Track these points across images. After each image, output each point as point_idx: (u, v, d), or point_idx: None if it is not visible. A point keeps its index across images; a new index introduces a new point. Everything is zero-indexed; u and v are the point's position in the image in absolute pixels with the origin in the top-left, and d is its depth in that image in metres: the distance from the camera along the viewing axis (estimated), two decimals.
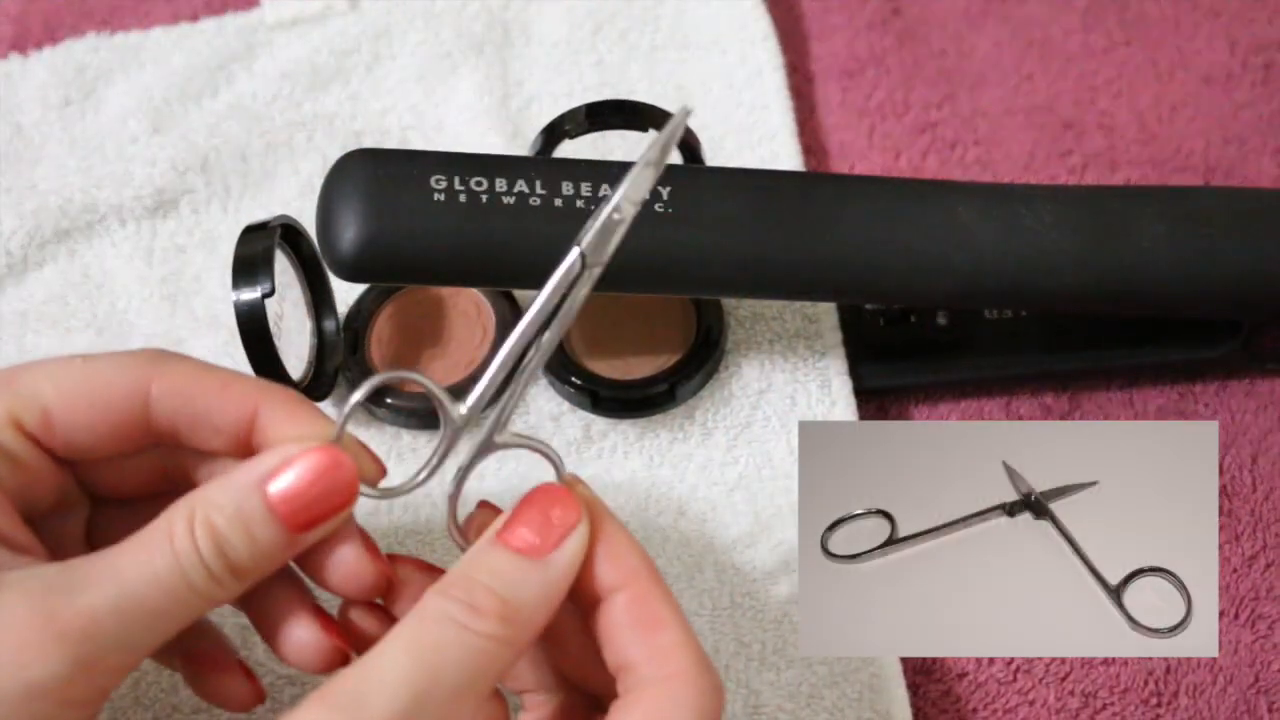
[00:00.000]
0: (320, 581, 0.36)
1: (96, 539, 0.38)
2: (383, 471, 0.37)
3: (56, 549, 0.36)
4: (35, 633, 0.31)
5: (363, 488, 0.35)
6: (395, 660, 0.32)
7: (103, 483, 0.38)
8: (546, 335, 0.36)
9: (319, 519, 0.34)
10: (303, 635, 0.36)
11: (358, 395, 0.35)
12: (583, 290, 0.36)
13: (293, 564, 0.37)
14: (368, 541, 0.36)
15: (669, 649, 0.34)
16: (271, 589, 0.37)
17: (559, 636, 0.37)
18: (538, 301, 0.36)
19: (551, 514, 0.34)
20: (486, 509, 0.37)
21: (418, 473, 0.37)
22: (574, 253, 0.36)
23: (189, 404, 0.36)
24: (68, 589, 0.32)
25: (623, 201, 0.35)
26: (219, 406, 0.36)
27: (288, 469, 0.34)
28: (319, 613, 0.37)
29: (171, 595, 0.33)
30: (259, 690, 0.39)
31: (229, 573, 0.33)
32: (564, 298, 0.36)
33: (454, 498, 0.36)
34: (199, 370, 0.36)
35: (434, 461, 0.36)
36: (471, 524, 0.37)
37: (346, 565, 0.36)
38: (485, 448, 0.36)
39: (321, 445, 0.34)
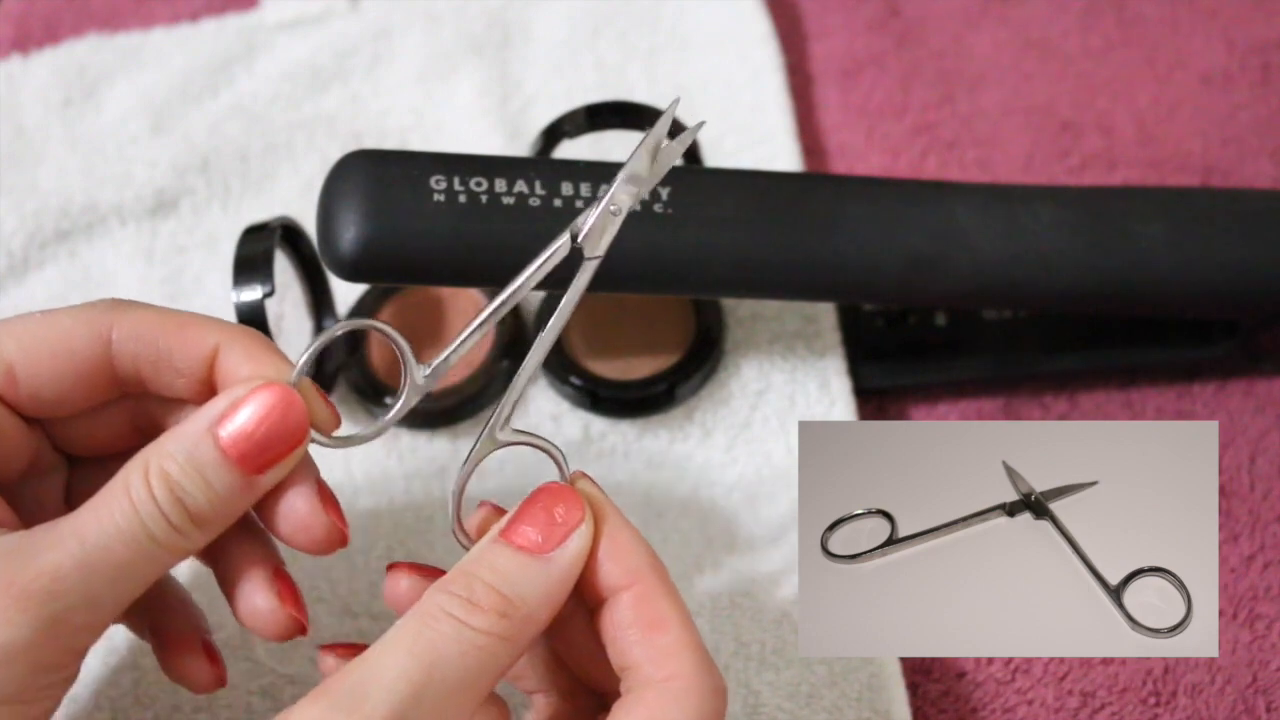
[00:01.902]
0: (273, 530, 0.36)
1: (76, 501, 0.38)
2: (336, 419, 0.37)
3: (36, 514, 0.36)
4: None
5: (318, 435, 0.35)
6: (394, 656, 0.32)
7: (76, 440, 0.38)
8: (546, 330, 0.36)
9: (273, 460, 0.34)
10: (259, 602, 0.36)
11: (321, 339, 0.35)
12: (581, 282, 0.36)
13: (261, 522, 0.37)
14: (325, 493, 0.36)
15: (671, 650, 0.34)
16: (236, 549, 0.37)
17: (565, 634, 0.37)
18: (519, 278, 0.36)
19: (555, 512, 0.34)
20: (489, 508, 0.37)
21: (374, 422, 0.37)
22: (563, 237, 0.36)
23: (150, 346, 0.36)
24: (30, 551, 0.32)
25: (618, 193, 0.36)
26: (180, 346, 0.36)
27: (237, 410, 0.34)
28: (281, 580, 0.37)
29: (134, 548, 0.33)
30: (220, 674, 0.38)
31: (189, 521, 0.33)
32: (562, 292, 0.36)
33: (458, 496, 0.36)
34: (158, 312, 0.36)
35: (392, 416, 0.36)
36: (474, 523, 0.37)
37: (297, 514, 0.35)
38: (488, 445, 0.36)
39: (269, 383, 0.34)
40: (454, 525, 0.36)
